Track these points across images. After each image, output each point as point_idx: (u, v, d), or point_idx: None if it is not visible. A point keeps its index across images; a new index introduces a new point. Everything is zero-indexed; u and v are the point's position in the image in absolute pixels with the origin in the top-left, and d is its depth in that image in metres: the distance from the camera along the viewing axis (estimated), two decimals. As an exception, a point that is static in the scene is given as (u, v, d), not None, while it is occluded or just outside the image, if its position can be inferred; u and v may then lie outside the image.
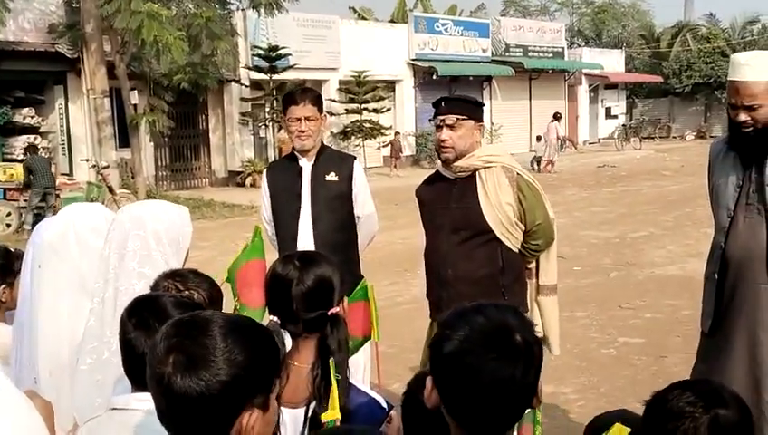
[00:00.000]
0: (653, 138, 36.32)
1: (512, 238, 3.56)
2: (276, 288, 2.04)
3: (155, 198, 17.68)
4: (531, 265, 3.73)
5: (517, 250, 3.61)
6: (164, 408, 1.36)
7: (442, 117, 3.60)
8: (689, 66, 38.20)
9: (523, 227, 3.57)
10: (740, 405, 1.72)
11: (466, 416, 1.46)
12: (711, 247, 3.34)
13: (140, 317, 1.80)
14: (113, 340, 1.95)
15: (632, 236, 12.01)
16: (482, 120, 3.72)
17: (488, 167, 3.57)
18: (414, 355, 4.50)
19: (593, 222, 13.31)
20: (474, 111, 3.67)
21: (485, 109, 3.96)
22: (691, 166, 21.54)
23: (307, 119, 4.05)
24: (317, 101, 4.13)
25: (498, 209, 3.51)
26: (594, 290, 8.35)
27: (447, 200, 3.64)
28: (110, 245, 2.25)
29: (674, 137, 37.99)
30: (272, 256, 3.50)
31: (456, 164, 3.60)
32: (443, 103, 3.67)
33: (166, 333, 1.38)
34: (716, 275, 3.25)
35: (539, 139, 24.90)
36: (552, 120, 24.89)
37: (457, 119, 3.56)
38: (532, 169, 22.71)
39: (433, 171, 3.95)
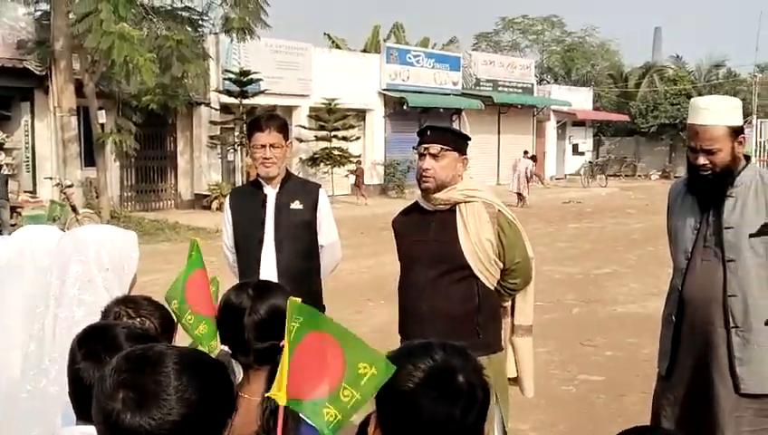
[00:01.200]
0: (619, 176, 36.86)
1: (489, 276, 3.48)
2: (228, 317, 1.99)
3: (119, 218, 17.52)
4: (507, 304, 3.65)
5: (494, 288, 3.52)
6: None
7: (426, 145, 3.52)
8: (655, 107, 38.93)
9: (502, 265, 3.49)
10: None
11: None
12: (669, 289, 3.36)
13: (90, 347, 1.74)
14: (51, 368, 1.89)
15: (595, 273, 12.10)
16: (465, 154, 3.62)
17: (469, 201, 3.50)
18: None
19: (558, 257, 13.39)
20: (459, 143, 3.59)
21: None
22: (655, 205, 21.79)
23: (272, 146, 4.02)
24: (282, 129, 4.10)
25: (477, 245, 3.44)
26: (556, 326, 8.36)
27: (425, 233, 3.56)
28: (53, 269, 2.20)
29: (639, 175, 38.57)
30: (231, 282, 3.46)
31: (435, 196, 3.52)
32: (428, 132, 3.58)
33: (116, 366, 1.31)
34: (674, 317, 3.26)
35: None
36: (527, 157, 25.32)
37: (441, 148, 3.48)
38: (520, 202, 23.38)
39: (409, 202, 3.87)
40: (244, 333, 1.96)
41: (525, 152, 26.59)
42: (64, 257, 2.20)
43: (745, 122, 38.80)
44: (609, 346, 7.65)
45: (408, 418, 1.41)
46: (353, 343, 1.46)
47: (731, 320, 3.09)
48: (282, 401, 1.44)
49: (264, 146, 4.02)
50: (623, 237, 16.49)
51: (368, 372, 1.44)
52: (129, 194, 20.83)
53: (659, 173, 38.42)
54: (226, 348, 1.97)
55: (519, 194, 24.06)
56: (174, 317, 2.26)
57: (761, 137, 35.76)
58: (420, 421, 1.41)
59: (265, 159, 4.03)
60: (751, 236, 3.06)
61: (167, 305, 2.47)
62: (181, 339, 2.87)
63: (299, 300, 1.49)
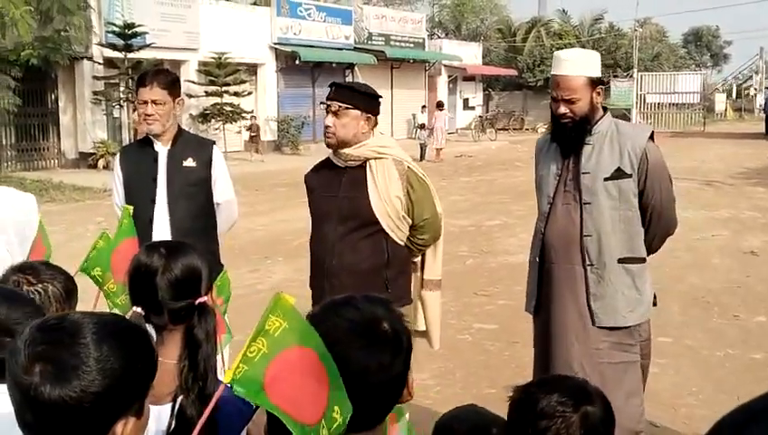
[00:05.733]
0: (507, 129, 37.71)
1: (398, 232, 3.57)
2: (140, 278, 1.96)
3: (-2, 179, 16.69)
4: (416, 259, 3.75)
5: (403, 243, 3.61)
6: (30, 420, 1.25)
7: (328, 102, 3.58)
8: (542, 61, 39.87)
9: (410, 221, 3.58)
10: (603, 400, 1.80)
11: None
12: (534, 233, 3.57)
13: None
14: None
15: (487, 225, 12.43)
16: (372, 112, 3.65)
17: (379, 158, 3.57)
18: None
19: (451, 211, 13.63)
20: (362, 101, 3.61)
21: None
22: (542, 157, 22.43)
23: (154, 102, 3.92)
24: (168, 85, 3.98)
25: (386, 202, 3.51)
26: (452, 277, 8.56)
27: (336, 189, 3.60)
28: None
29: (527, 129, 39.56)
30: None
31: (346, 152, 3.56)
32: (332, 89, 3.63)
33: (30, 338, 1.25)
34: (537, 259, 3.47)
35: (422, 127, 25.38)
36: (440, 109, 25.36)
37: (340, 107, 3.53)
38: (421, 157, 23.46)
39: (304, 158, 3.90)
40: (158, 293, 1.94)
41: (438, 105, 26.13)
42: None
43: (627, 76, 39.84)
44: (501, 295, 7.92)
45: (339, 370, 1.40)
46: (337, 381, 1.40)
47: (587, 258, 3.32)
48: (227, 379, 1.34)
49: (146, 102, 3.92)
50: (512, 190, 16.94)
51: (337, 419, 1.39)
52: (10, 153, 19.91)
53: (546, 126, 39.48)
54: (139, 309, 1.95)
55: (438, 149, 24.24)
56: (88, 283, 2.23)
57: (641, 90, 37.26)
58: (350, 372, 1.39)
59: (147, 115, 3.93)
60: (605, 179, 3.28)
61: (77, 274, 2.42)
62: (82, 303, 2.82)
63: (292, 300, 1.40)
